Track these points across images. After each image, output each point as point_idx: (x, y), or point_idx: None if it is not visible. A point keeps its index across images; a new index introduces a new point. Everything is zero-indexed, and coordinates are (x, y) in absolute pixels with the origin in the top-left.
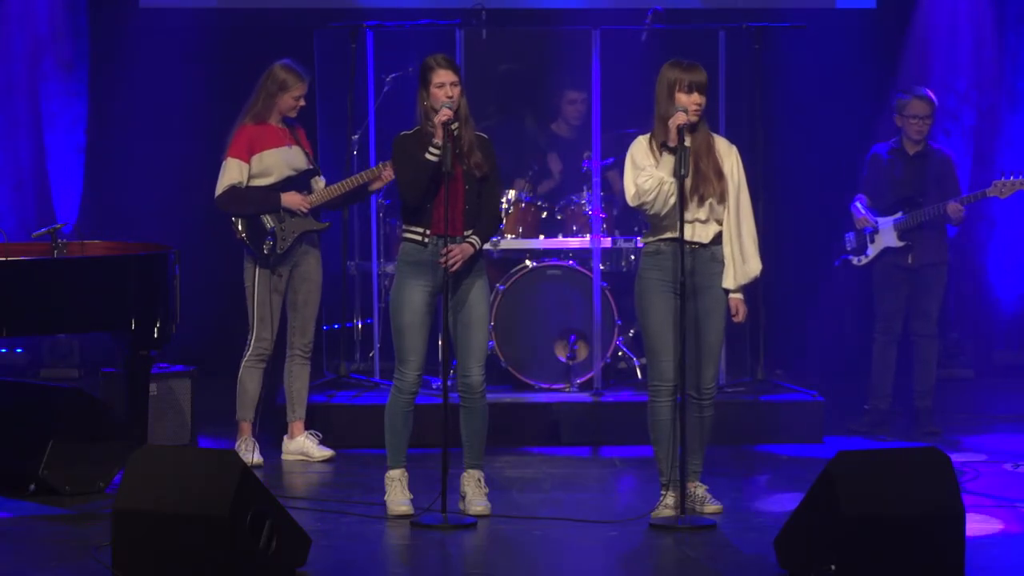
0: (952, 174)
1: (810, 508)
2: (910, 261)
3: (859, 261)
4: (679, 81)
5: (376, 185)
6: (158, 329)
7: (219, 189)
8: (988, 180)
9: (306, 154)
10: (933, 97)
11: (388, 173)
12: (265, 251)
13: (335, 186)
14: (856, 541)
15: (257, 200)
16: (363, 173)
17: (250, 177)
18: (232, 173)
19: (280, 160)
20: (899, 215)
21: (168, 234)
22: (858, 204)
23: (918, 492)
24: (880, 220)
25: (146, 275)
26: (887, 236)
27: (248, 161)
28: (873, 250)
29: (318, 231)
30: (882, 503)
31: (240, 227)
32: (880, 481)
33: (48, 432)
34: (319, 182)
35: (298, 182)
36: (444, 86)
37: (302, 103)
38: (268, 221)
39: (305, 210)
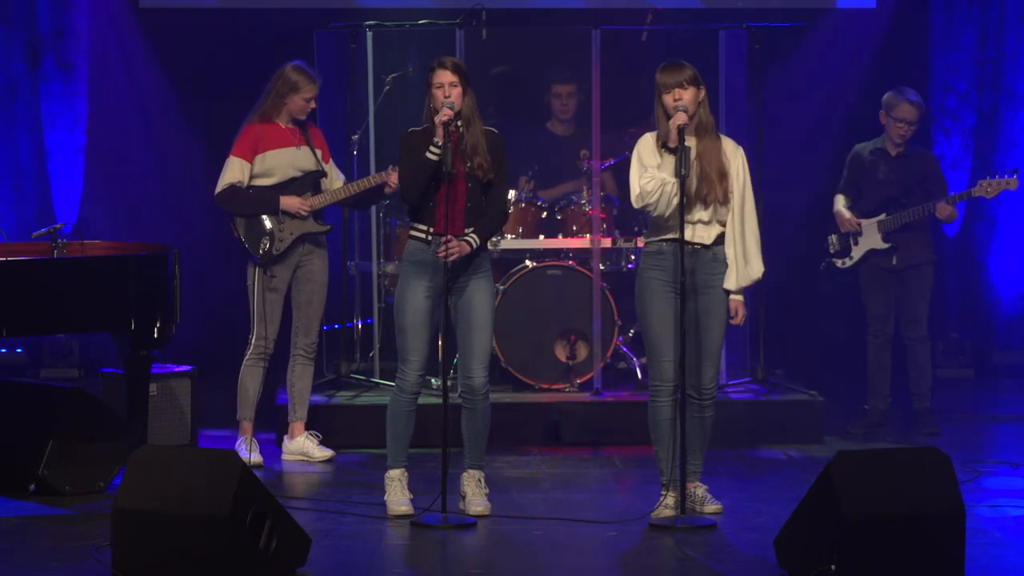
0: (936, 173)
1: (810, 508)
2: (895, 262)
3: (843, 263)
4: (662, 85)
5: (389, 188)
6: (158, 329)
7: (219, 187)
8: None
9: (316, 155)
10: (922, 103)
11: (395, 177)
12: (261, 251)
13: (340, 189)
14: (856, 541)
15: (256, 201)
16: (371, 177)
17: (253, 176)
18: (233, 171)
19: (284, 161)
20: (883, 216)
21: (168, 234)
22: (841, 206)
23: (918, 492)
24: (863, 221)
25: (146, 275)
26: (871, 238)
27: (251, 160)
28: (857, 252)
29: (320, 233)
30: (882, 503)
31: (238, 226)
32: (880, 481)
33: (48, 432)
34: (335, 182)
35: (304, 183)
36: (443, 87)
37: (313, 105)
38: (267, 221)
39: (304, 213)
